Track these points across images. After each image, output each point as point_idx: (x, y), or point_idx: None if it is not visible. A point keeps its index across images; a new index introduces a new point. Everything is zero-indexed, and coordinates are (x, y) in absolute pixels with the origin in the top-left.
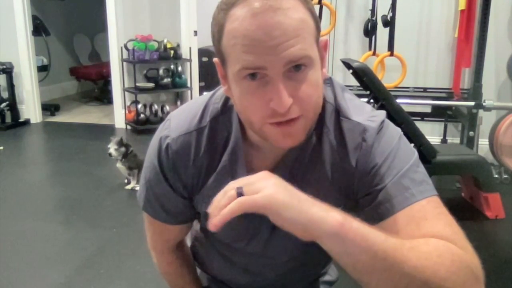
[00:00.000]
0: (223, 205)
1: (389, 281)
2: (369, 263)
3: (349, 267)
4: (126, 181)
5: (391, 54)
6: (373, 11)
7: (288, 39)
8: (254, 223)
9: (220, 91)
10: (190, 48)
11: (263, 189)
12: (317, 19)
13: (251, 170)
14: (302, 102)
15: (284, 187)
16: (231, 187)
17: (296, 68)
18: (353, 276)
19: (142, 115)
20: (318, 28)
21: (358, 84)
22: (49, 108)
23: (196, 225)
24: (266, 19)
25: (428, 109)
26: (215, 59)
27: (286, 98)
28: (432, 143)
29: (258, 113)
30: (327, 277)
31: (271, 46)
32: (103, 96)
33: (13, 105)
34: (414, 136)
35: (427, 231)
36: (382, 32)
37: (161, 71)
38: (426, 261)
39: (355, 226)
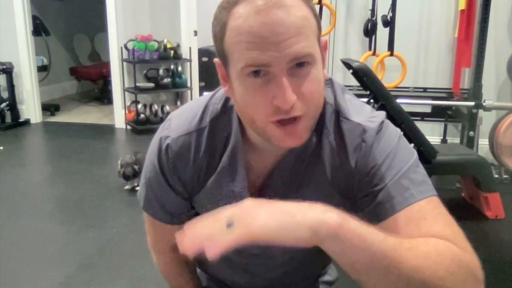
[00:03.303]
0: (214, 236)
1: (388, 281)
2: (367, 263)
3: (347, 266)
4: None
5: (391, 54)
6: (373, 11)
7: (291, 36)
8: None
9: (220, 92)
10: (190, 48)
11: (254, 221)
12: (319, 19)
13: (250, 171)
14: (305, 99)
15: (273, 209)
16: (220, 217)
17: (299, 65)
18: (352, 276)
19: (142, 115)
20: (319, 28)
21: (358, 84)
22: (49, 108)
23: None
24: (270, 15)
25: (428, 109)
26: (216, 60)
27: (290, 95)
28: (432, 143)
29: (262, 111)
30: (326, 277)
31: (274, 43)
32: (103, 96)
33: (13, 105)
34: (414, 136)
35: (427, 231)
36: (382, 32)
37: (161, 71)
38: (425, 260)
39: (353, 226)
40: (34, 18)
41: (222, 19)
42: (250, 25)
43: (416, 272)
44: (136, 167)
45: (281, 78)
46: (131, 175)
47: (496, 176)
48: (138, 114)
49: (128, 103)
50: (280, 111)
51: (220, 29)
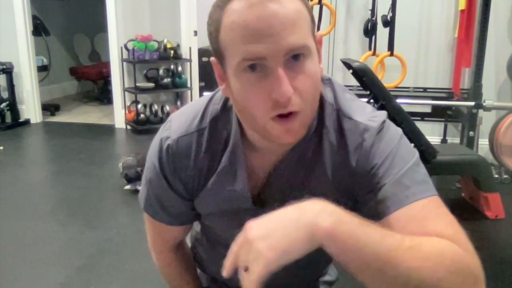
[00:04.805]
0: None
1: (383, 281)
2: (360, 264)
3: (344, 265)
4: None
5: (391, 54)
6: (373, 11)
7: (286, 28)
8: None
9: (220, 92)
10: (190, 48)
11: (261, 256)
12: (311, 12)
13: (251, 170)
14: (302, 94)
15: (269, 231)
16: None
17: (295, 58)
18: (350, 273)
19: (142, 115)
20: (313, 21)
21: (358, 84)
22: (49, 108)
23: (196, 226)
24: (263, 9)
25: (428, 109)
26: (212, 58)
27: (287, 86)
28: (432, 143)
29: (260, 106)
30: (327, 277)
31: (270, 35)
32: (103, 96)
33: (13, 105)
34: (414, 136)
35: (428, 230)
36: (382, 32)
37: (161, 71)
38: (425, 261)
39: (347, 227)
40: (34, 18)
41: (217, 17)
42: (244, 19)
43: (414, 272)
44: (139, 169)
45: (277, 70)
46: (135, 177)
47: (496, 176)
48: (138, 114)
49: (128, 103)
50: (278, 106)
51: (215, 27)
